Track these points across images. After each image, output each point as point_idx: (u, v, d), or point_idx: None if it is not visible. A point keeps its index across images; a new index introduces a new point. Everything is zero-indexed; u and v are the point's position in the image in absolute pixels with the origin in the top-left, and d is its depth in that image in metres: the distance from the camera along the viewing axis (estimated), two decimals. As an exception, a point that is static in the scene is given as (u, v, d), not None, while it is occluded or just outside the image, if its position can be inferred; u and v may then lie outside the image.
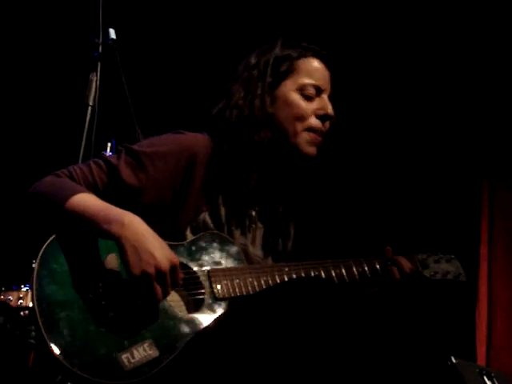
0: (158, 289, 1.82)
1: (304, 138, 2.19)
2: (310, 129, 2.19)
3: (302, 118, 2.18)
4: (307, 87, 2.20)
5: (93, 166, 2.04)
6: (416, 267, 2.37)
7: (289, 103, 2.19)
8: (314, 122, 2.20)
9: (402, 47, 4.33)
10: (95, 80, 2.72)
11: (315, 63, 2.23)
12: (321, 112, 2.20)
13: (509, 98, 4.42)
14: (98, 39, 2.75)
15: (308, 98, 2.20)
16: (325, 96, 2.23)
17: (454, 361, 2.84)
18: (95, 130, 2.67)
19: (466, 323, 4.22)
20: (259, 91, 2.19)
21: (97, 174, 2.02)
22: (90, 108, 2.71)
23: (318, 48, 2.26)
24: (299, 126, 2.18)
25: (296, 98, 2.19)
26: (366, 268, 2.22)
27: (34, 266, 3.54)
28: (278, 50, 2.24)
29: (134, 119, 2.75)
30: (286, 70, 2.20)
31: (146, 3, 4.15)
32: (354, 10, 4.27)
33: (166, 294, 1.84)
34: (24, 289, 3.39)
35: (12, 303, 3.27)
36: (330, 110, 2.21)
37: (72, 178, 2.00)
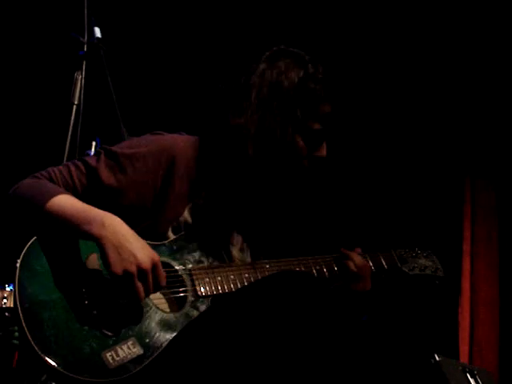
0: (141, 287, 1.82)
1: (292, 167, 2.23)
2: (299, 165, 2.23)
3: (299, 160, 2.21)
4: (316, 132, 2.21)
5: (72, 167, 2.04)
6: (394, 262, 2.42)
7: (293, 143, 2.18)
8: (305, 163, 2.23)
9: (383, 49, 4.35)
10: (80, 79, 2.72)
11: (328, 108, 2.22)
12: (317, 154, 2.23)
13: (492, 98, 4.46)
14: (84, 38, 2.75)
15: (310, 141, 2.21)
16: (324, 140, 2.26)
17: (437, 358, 2.86)
18: (80, 128, 2.68)
19: (448, 320, 4.25)
20: (291, 129, 2.17)
21: (76, 176, 2.02)
22: (75, 107, 2.71)
23: (333, 88, 2.25)
24: (293, 164, 2.21)
25: (302, 143, 2.19)
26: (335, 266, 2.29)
27: (17, 265, 3.53)
28: (308, 81, 2.18)
29: (120, 118, 2.75)
30: (308, 112, 2.18)
31: (131, 2, 4.15)
32: (353, 9, 4.29)
33: (148, 293, 1.85)
34: (8, 288, 3.38)
35: (-4, 303, 3.26)
36: (325, 153, 2.25)
37: (51, 180, 1.99)
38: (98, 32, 2.78)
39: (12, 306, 3.13)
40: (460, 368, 3.01)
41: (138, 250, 1.83)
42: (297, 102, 2.17)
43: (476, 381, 2.98)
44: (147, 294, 1.85)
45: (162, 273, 1.87)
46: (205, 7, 4.24)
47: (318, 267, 2.21)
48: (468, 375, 2.97)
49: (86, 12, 2.76)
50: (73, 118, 2.70)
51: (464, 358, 4.16)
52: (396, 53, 4.35)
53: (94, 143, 3.38)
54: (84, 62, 2.74)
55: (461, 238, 4.38)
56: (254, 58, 2.27)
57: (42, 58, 3.99)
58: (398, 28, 4.31)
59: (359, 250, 2.39)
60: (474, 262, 4.34)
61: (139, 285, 1.82)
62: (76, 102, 2.71)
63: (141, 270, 1.81)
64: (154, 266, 1.85)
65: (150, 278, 1.83)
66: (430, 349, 2.94)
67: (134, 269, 1.80)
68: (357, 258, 2.32)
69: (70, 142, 2.67)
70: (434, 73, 4.43)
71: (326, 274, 2.23)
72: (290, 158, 2.19)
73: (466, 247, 4.36)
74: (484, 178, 4.46)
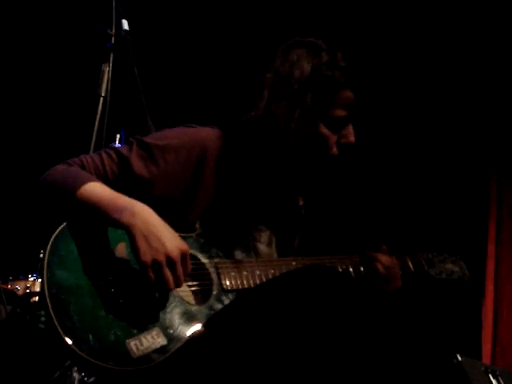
0: (170, 277, 1.82)
1: (320, 160, 2.21)
2: (328, 154, 2.21)
3: (326, 148, 2.19)
4: (339, 120, 2.19)
5: (104, 156, 2.05)
6: (422, 265, 2.40)
7: (319, 134, 2.17)
8: (334, 150, 2.20)
9: (410, 44, 4.32)
10: (107, 71, 2.73)
11: (350, 94, 2.20)
12: (344, 141, 2.21)
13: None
14: (111, 30, 2.75)
15: (334, 128, 2.19)
16: (350, 125, 2.23)
17: (459, 359, 2.84)
18: (107, 120, 2.69)
19: (471, 321, 4.22)
20: (298, 114, 2.15)
21: (108, 165, 2.03)
22: (101, 99, 2.72)
23: (354, 74, 2.22)
24: (320, 153, 2.19)
25: (326, 131, 2.18)
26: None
27: (41, 255, 3.58)
28: (322, 68, 2.17)
29: (146, 111, 2.76)
30: (326, 98, 2.17)
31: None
32: (356, 10, 4.28)
33: (177, 283, 1.84)
34: (31, 278, 3.41)
35: (19, 292, 3.30)
36: (352, 138, 2.22)
37: (83, 168, 2.01)
38: (125, 24, 2.78)
39: (37, 291, 3.16)
40: (482, 369, 2.99)
41: (167, 239, 1.83)
42: (308, 89, 2.15)
43: (498, 382, 2.96)
44: (177, 285, 1.85)
45: (190, 264, 1.88)
46: (231, 2, 4.25)
47: (344, 266, 2.20)
48: (490, 376, 2.95)
49: (113, 4, 2.76)
50: (99, 109, 2.71)
51: (486, 358, 4.13)
52: (423, 50, 4.33)
53: (118, 136, 3.40)
54: (111, 55, 2.74)
55: (486, 238, 4.35)
56: (271, 55, 2.26)
57: (70, 50, 4.02)
58: (424, 24, 4.28)
59: (385, 248, 2.36)
60: (498, 263, 4.31)
61: (168, 274, 1.82)
62: (103, 94, 2.72)
63: (170, 260, 1.82)
64: (183, 256, 1.85)
65: (178, 268, 1.83)
66: (452, 349, 2.92)
67: (162, 258, 1.81)
68: (384, 259, 2.30)
69: (97, 134, 2.68)
70: (460, 70, 4.40)
71: (353, 274, 2.22)
72: (314, 147, 2.17)
73: (491, 248, 4.33)
74: (510, 178, 4.42)
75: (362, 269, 2.27)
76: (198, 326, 1.88)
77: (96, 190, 1.90)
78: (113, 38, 2.75)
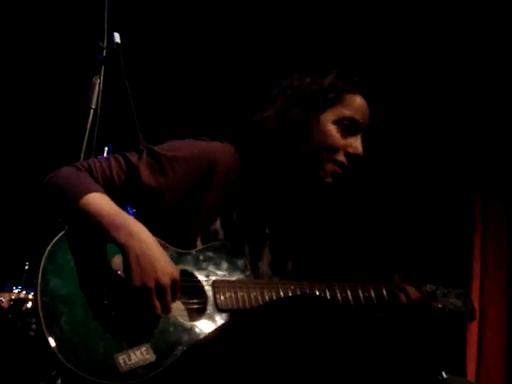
0: (157, 304, 1.81)
1: (326, 167, 2.18)
2: (335, 161, 2.18)
3: (331, 149, 2.17)
4: (346, 120, 2.18)
5: (113, 162, 2.04)
6: (424, 298, 2.38)
7: (325, 131, 2.16)
8: (341, 157, 2.18)
9: (387, 68, 4.35)
10: (98, 83, 2.73)
11: (360, 100, 2.21)
12: (351, 150, 2.18)
13: (503, 114, 4.46)
14: (103, 43, 2.75)
15: (344, 133, 2.18)
16: (359, 136, 2.21)
17: (444, 376, 2.84)
18: (97, 133, 2.68)
19: (456, 339, 4.23)
20: (309, 113, 2.16)
21: (115, 171, 2.02)
22: (92, 111, 2.71)
23: (365, 86, 2.24)
24: (326, 156, 2.17)
25: (333, 128, 2.17)
26: (373, 294, 2.21)
27: (26, 267, 3.55)
28: (330, 78, 2.20)
29: (137, 124, 2.75)
30: (333, 98, 2.18)
31: (151, 8, 4.17)
32: (355, 11, 4.30)
33: (166, 310, 1.83)
34: (16, 290, 3.39)
35: (4, 304, 3.28)
36: (360, 151, 2.19)
37: (90, 172, 2.00)
38: (117, 37, 2.79)
39: (23, 297, 3.14)
40: (467, 386, 2.99)
41: (160, 265, 1.82)
42: (319, 93, 2.18)
43: (483, 400, 2.96)
44: (164, 311, 1.83)
45: (179, 292, 1.87)
46: (227, 15, 4.26)
47: (343, 294, 2.16)
48: (475, 394, 2.95)
49: (106, 17, 2.77)
50: (90, 122, 2.70)
51: (471, 376, 4.14)
52: (408, 71, 4.36)
53: (106, 148, 3.39)
54: (103, 67, 2.74)
55: (471, 257, 4.37)
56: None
57: (61, 62, 4.02)
58: (410, 48, 4.32)
59: (397, 278, 2.32)
60: (483, 281, 4.33)
61: (156, 301, 1.81)
62: (93, 107, 2.72)
63: (159, 287, 1.81)
64: (173, 283, 1.84)
65: (167, 296, 1.82)
66: (437, 366, 2.92)
67: (152, 284, 1.80)
68: (412, 292, 2.28)
69: (86, 146, 2.67)
70: (445, 89, 4.43)
71: (351, 301, 2.17)
72: (323, 149, 2.16)
73: (476, 267, 4.36)
74: (495, 196, 4.45)
75: (384, 293, 2.24)
76: (188, 344, 1.86)
77: (97, 202, 1.88)
78: (104, 51, 2.75)
